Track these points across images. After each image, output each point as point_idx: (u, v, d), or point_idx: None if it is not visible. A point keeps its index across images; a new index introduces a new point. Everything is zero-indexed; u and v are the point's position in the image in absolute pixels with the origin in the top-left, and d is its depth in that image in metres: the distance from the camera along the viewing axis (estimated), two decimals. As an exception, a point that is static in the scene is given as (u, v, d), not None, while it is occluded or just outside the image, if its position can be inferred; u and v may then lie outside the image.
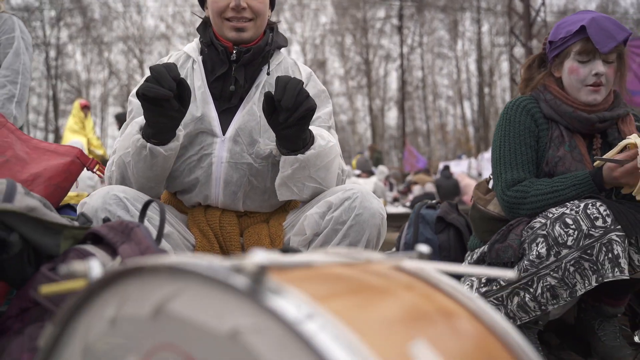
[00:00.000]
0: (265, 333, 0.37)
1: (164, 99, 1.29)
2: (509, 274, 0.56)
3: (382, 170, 12.04)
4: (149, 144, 1.42)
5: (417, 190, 10.99)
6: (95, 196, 1.36)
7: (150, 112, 1.36)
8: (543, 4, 16.19)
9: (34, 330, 0.79)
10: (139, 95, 1.34)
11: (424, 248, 0.57)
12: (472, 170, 14.92)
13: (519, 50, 17.91)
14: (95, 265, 0.51)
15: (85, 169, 1.97)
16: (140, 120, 1.47)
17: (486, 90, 33.59)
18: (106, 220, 1.13)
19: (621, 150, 1.67)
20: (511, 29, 16.91)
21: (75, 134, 8.63)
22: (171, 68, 1.31)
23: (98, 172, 2.01)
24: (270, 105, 1.34)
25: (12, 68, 3.13)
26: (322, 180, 1.52)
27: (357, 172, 8.86)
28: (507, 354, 0.51)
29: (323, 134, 1.54)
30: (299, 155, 1.43)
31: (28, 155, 1.90)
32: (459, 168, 15.89)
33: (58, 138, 27.62)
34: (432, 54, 34.82)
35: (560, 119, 1.87)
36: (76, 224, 1.00)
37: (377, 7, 32.54)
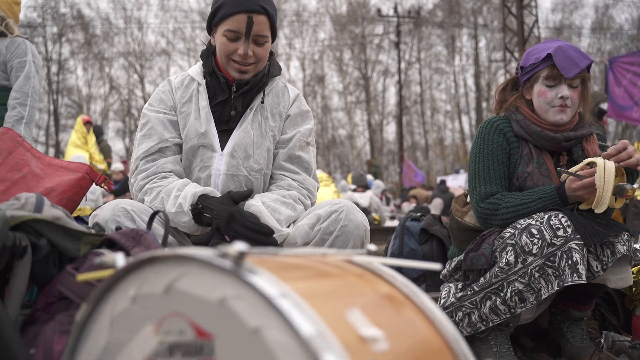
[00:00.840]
0: (244, 299, 0.54)
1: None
2: (436, 266, 0.73)
3: (378, 184, 12.22)
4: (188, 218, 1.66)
5: (405, 206, 11.17)
6: (105, 209, 1.53)
7: (229, 233, 1.60)
8: (536, 20, 16.44)
9: (62, 317, 0.95)
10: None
11: (372, 247, 0.74)
12: (469, 185, 15.05)
13: (514, 66, 18.04)
14: (120, 258, 0.68)
15: (94, 183, 2.15)
16: (188, 200, 1.66)
17: (484, 104, 33.83)
18: (118, 228, 1.30)
19: (585, 166, 1.84)
20: (506, 46, 17.14)
21: (78, 149, 8.82)
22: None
23: (105, 187, 2.18)
24: None
25: (22, 91, 3.31)
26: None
27: (353, 187, 9.02)
28: (431, 328, 0.67)
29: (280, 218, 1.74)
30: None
31: (42, 171, 2.07)
32: (456, 182, 16.06)
33: (59, 152, 27.83)
34: (430, 69, 35.15)
35: (530, 138, 2.04)
36: (93, 231, 1.17)
37: (375, 23, 32.93)
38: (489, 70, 33.86)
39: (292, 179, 1.85)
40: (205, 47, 1.93)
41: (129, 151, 31.70)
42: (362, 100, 34.63)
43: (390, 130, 36.06)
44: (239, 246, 0.55)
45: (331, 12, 34.44)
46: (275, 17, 1.80)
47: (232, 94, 1.81)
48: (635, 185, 1.81)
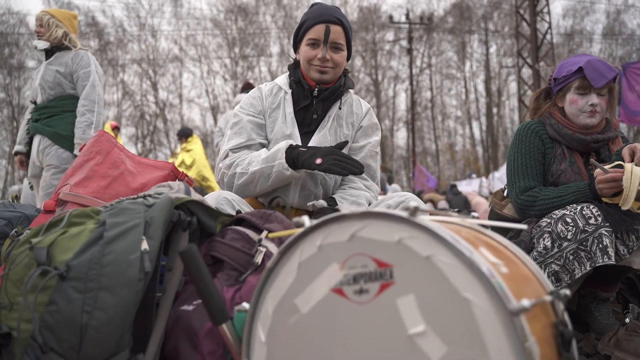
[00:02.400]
0: (417, 237, 0.83)
1: (346, 170, 1.87)
2: (523, 226, 1.02)
3: (395, 188, 12.49)
4: (291, 170, 1.94)
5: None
6: (209, 198, 1.83)
7: (323, 165, 1.88)
8: (550, 27, 16.66)
9: (222, 275, 1.25)
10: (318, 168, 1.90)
11: (474, 214, 1.03)
12: (483, 189, 15.33)
13: (526, 72, 18.19)
14: (307, 220, 0.97)
15: (177, 179, 2.45)
16: (282, 151, 1.95)
17: (494, 110, 33.99)
18: (238, 212, 1.59)
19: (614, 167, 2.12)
20: (519, 52, 17.36)
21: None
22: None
23: (187, 181, 2.49)
24: None
25: (90, 98, 3.66)
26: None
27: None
28: (522, 264, 0.96)
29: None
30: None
31: (135, 169, 2.37)
32: (470, 187, 16.37)
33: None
34: (441, 74, 35.41)
35: (562, 140, 2.32)
36: (225, 213, 1.46)
37: (387, 29, 33.24)
38: (500, 76, 34.04)
39: (362, 184, 2.17)
40: (292, 61, 2.25)
41: (141, 156, 32.04)
42: (373, 105, 34.80)
43: (400, 136, 36.29)
44: (412, 203, 0.84)
45: (343, 19, 34.77)
46: (350, 30, 2.14)
47: (314, 99, 2.12)
48: None
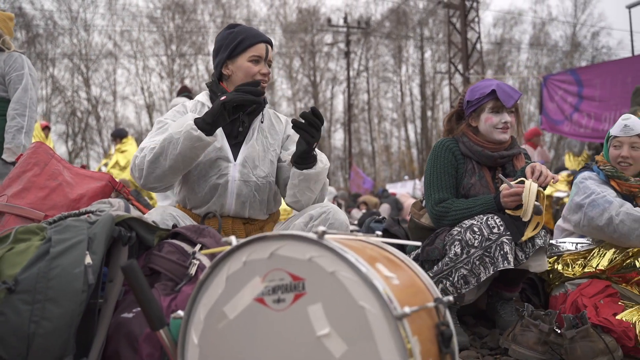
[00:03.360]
0: (324, 256, 1.01)
1: (252, 103, 1.99)
2: (417, 243, 1.23)
3: (330, 190, 12.78)
4: (199, 131, 1.99)
5: (355, 212, 11.81)
6: (154, 213, 1.95)
7: (222, 116, 1.99)
8: (479, 37, 17.43)
9: (159, 286, 1.39)
10: (226, 101, 1.97)
11: (378, 232, 1.22)
12: (417, 191, 15.86)
13: (459, 77, 18.83)
14: (234, 239, 1.13)
15: (114, 190, 2.54)
16: (190, 117, 2.05)
17: (429, 113, 35.04)
18: (174, 226, 1.73)
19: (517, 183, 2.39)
20: (450, 60, 18.05)
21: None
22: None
23: (124, 192, 2.58)
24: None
25: (21, 102, 3.61)
26: (316, 191, 2.21)
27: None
28: (416, 276, 1.16)
29: (322, 158, 2.20)
30: (304, 171, 2.12)
31: (73, 179, 2.45)
32: (404, 189, 16.94)
33: None
34: (378, 77, 36.15)
35: (473, 156, 2.59)
36: (162, 227, 1.60)
37: (325, 32, 33.63)
38: (434, 80, 35.10)
39: None
40: (212, 78, 2.39)
41: (71, 154, 31.06)
42: (310, 106, 35.13)
43: (337, 137, 36.79)
44: (320, 228, 1.02)
45: (281, 20, 34.94)
46: None
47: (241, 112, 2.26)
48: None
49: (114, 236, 1.43)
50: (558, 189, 7.27)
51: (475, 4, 17.39)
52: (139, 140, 16.37)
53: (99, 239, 1.36)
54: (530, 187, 2.30)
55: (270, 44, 2.33)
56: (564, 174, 8.07)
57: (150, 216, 1.95)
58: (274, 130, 2.41)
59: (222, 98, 2.00)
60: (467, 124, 2.67)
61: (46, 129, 9.51)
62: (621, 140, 2.67)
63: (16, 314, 1.23)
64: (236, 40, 2.28)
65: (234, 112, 2.04)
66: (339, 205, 13.48)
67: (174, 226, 1.74)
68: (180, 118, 2.14)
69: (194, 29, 33.84)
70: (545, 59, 34.13)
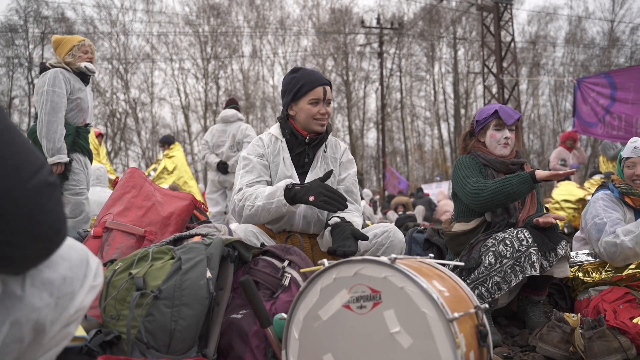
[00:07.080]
0: (396, 276, 1.41)
1: (334, 207, 2.33)
2: (461, 263, 1.62)
3: (367, 193, 13.16)
4: (288, 205, 2.41)
5: (390, 215, 12.16)
6: (240, 229, 2.39)
7: (316, 202, 2.34)
8: (513, 39, 17.51)
9: (260, 294, 1.81)
10: (312, 203, 2.35)
11: (431, 255, 1.62)
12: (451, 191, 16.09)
13: (492, 79, 18.77)
14: (326, 261, 1.54)
15: (195, 207, 2.99)
16: (280, 192, 2.43)
17: (462, 111, 34.97)
18: (262, 244, 2.16)
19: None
20: (484, 62, 18.14)
21: (94, 161, 9.50)
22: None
23: (203, 209, 3.03)
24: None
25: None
26: None
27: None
28: (460, 289, 1.55)
29: (355, 220, 2.59)
30: None
31: (163, 199, 2.90)
32: (439, 189, 17.24)
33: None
34: (411, 76, 36.23)
35: (490, 164, 2.99)
36: (255, 246, 2.02)
37: (357, 33, 33.86)
38: (467, 78, 34.97)
39: (350, 207, 2.75)
40: (281, 115, 2.81)
41: (110, 154, 32.01)
42: (343, 106, 35.50)
43: (370, 136, 37.04)
44: (393, 255, 1.42)
45: (314, 21, 35.36)
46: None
47: (306, 146, 2.68)
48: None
49: (223, 255, 1.85)
50: (591, 193, 7.49)
51: (509, 6, 17.46)
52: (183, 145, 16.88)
53: (215, 258, 1.79)
54: None
55: (329, 84, 2.72)
56: (597, 177, 8.29)
57: (237, 232, 2.38)
58: (334, 158, 2.83)
59: (311, 199, 2.33)
60: (477, 140, 3.08)
61: (99, 136, 10.11)
62: (634, 161, 3.02)
63: (161, 314, 1.66)
64: (297, 86, 2.67)
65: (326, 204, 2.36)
66: (375, 207, 13.85)
67: (262, 244, 2.17)
68: (273, 188, 2.48)
69: (229, 31, 34.54)
70: (581, 55, 33.73)
